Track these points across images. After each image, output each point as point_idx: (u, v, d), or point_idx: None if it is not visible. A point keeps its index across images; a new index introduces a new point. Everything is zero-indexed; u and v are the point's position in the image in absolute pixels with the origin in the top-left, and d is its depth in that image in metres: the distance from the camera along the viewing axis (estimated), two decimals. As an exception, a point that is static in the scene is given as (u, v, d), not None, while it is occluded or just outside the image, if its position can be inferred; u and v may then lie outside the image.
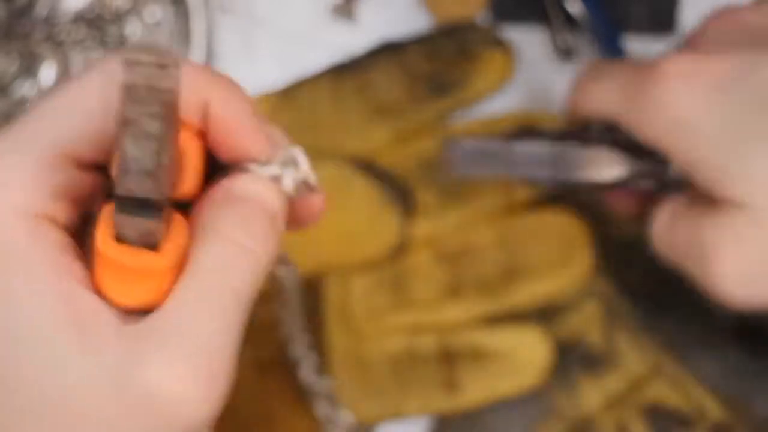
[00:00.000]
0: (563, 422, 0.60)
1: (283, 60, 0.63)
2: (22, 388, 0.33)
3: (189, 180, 0.36)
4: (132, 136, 0.32)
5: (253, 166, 0.37)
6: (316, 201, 0.40)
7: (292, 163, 0.39)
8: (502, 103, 0.62)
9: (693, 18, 0.63)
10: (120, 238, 0.34)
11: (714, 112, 0.45)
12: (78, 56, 0.61)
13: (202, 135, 0.36)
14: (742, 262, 0.43)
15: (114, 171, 0.33)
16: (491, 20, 0.64)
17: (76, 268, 0.34)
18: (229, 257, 0.35)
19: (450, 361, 0.59)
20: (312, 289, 0.61)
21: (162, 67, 0.32)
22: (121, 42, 0.62)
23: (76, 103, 0.35)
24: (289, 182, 0.38)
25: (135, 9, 0.62)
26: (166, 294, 0.35)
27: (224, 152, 0.36)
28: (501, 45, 0.61)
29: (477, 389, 0.59)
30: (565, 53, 0.62)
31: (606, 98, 0.49)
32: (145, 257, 0.34)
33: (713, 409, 0.59)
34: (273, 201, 0.37)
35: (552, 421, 0.60)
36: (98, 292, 0.35)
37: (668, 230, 0.48)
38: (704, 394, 0.59)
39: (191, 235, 0.35)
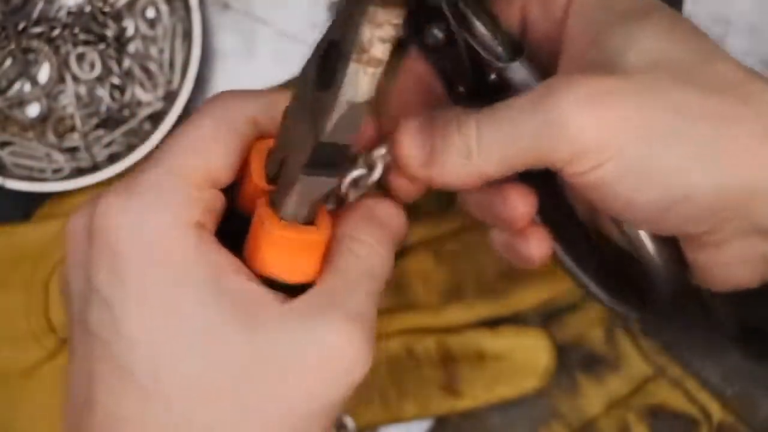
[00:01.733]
0: (565, 424, 0.59)
1: (283, 59, 0.62)
2: (220, 392, 0.39)
3: None
4: (362, 61, 0.37)
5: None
6: None
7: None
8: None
9: (697, 9, 0.63)
10: (278, 215, 0.41)
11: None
12: (74, 53, 0.61)
13: None
14: (590, 90, 0.40)
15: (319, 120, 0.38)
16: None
17: (232, 262, 0.40)
18: (367, 253, 0.42)
19: (450, 363, 0.59)
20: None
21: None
22: (120, 38, 0.61)
23: (213, 137, 0.41)
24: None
25: (132, 5, 0.62)
26: (318, 272, 0.42)
27: None
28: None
29: (477, 392, 0.59)
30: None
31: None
32: (309, 230, 0.41)
33: (716, 411, 0.59)
34: (399, 223, 0.44)
35: (554, 424, 0.60)
36: (262, 275, 0.41)
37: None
38: (707, 396, 0.59)
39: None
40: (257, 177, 0.42)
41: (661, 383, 0.59)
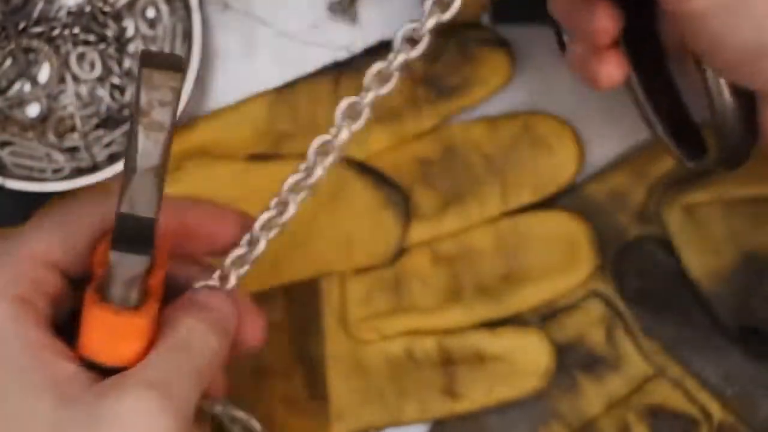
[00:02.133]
0: (565, 425, 0.59)
1: (283, 59, 0.62)
2: None
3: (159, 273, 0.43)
4: (144, 125, 0.37)
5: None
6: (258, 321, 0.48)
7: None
8: (504, 103, 0.62)
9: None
10: (105, 300, 0.41)
11: None
12: (75, 53, 0.61)
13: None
14: None
15: (119, 190, 0.39)
16: (491, 21, 0.63)
17: (52, 342, 0.41)
18: (192, 341, 0.42)
19: (450, 365, 0.59)
20: (310, 294, 0.60)
21: (173, 61, 0.37)
22: (120, 38, 0.61)
23: (59, 223, 0.44)
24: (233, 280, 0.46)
25: (132, 5, 0.62)
26: (140, 357, 0.41)
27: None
28: (502, 45, 0.61)
29: (477, 394, 0.59)
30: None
31: None
32: (127, 313, 0.41)
33: (716, 412, 0.59)
34: (224, 309, 0.45)
35: (553, 424, 0.59)
36: (83, 356, 0.41)
37: None
38: (707, 396, 0.59)
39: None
40: (96, 262, 0.44)
41: (661, 383, 0.59)
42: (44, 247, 0.43)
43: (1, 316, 0.41)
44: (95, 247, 0.44)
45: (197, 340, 0.43)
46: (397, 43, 0.44)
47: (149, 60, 0.37)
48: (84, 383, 0.40)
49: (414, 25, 0.44)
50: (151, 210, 0.39)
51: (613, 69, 0.47)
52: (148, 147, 0.37)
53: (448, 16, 0.44)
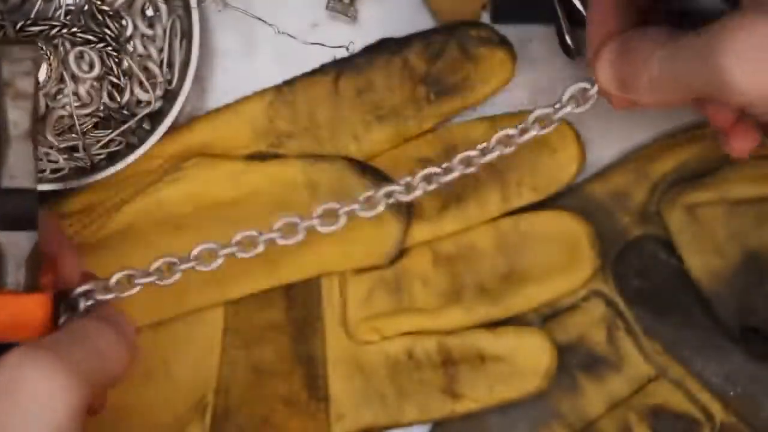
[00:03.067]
0: (566, 425, 0.59)
1: (283, 59, 0.62)
2: None
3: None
4: (10, 96, 0.41)
5: None
6: None
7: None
8: (507, 102, 0.61)
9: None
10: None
11: None
12: (73, 52, 0.61)
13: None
14: (753, 47, 0.41)
15: None
16: (491, 21, 0.63)
17: None
18: (90, 331, 0.44)
19: (450, 365, 0.59)
20: (310, 294, 0.60)
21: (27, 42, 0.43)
22: (119, 37, 0.61)
23: None
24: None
25: (131, 4, 0.62)
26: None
27: None
28: (502, 44, 0.60)
29: (478, 394, 0.59)
30: (571, 50, 0.61)
31: None
32: (22, 295, 0.43)
33: (718, 412, 0.58)
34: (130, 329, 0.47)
35: (554, 424, 0.59)
36: None
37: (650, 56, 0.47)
38: (709, 396, 0.58)
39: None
40: None
41: (662, 384, 0.59)
42: None
43: (65, 416, 0.40)
44: None
45: (96, 333, 0.44)
46: (564, 97, 0.51)
47: (6, 40, 0.42)
48: None
49: (585, 84, 0.51)
50: (31, 179, 0.41)
51: (742, 143, 0.50)
52: (16, 115, 0.41)
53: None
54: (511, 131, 0.52)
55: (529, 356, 0.59)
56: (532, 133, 0.52)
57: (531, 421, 0.59)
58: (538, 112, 0.52)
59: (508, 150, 0.52)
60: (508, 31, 0.61)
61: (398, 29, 0.62)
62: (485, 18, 0.63)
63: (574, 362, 0.59)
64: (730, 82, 0.41)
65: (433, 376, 0.59)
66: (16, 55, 0.41)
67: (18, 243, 0.42)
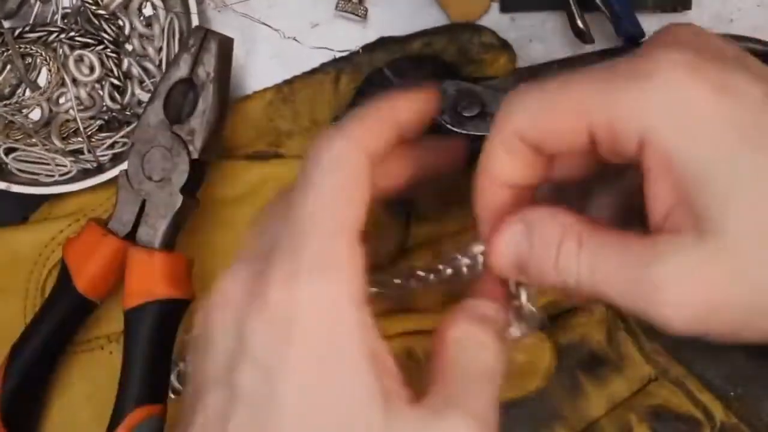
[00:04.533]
0: (567, 426, 0.59)
1: (283, 59, 0.62)
2: None
3: None
4: None
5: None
6: None
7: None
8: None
9: (700, 8, 0.62)
10: None
11: (721, 116, 0.41)
12: (73, 56, 0.61)
13: None
14: (698, 292, 0.39)
15: None
16: (501, 11, 0.62)
17: (384, 353, 0.42)
18: (479, 353, 0.43)
19: (451, 365, 0.59)
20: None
21: None
22: (117, 39, 0.61)
23: (349, 191, 0.42)
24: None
25: (128, 5, 0.62)
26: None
27: None
28: (503, 47, 0.60)
29: (478, 393, 0.59)
30: (585, 34, 0.61)
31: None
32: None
33: (719, 413, 0.58)
34: (501, 318, 0.45)
35: (555, 425, 0.59)
36: None
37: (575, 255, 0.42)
38: (709, 397, 0.58)
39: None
40: None
41: (663, 384, 0.59)
42: (357, 214, 0.42)
43: (353, 326, 0.41)
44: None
45: (492, 360, 0.43)
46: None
47: None
48: (405, 398, 0.42)
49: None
50: None
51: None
52: None
53: None
54: None
55: (530, 356, 0.58)
56: None
57: (532, 421, 0.59)
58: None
59: None
60: (510, 31, 0.61)
61: (406, 28, 0.61)
62: (495, 7, 0.63)
63: (575, 362, 0.59)
64: (668, 324, 0.40)
65: (433, 376, 0.59)
66: None
67: None
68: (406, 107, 0.46)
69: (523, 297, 0.46)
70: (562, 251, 0.42)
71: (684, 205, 0.39)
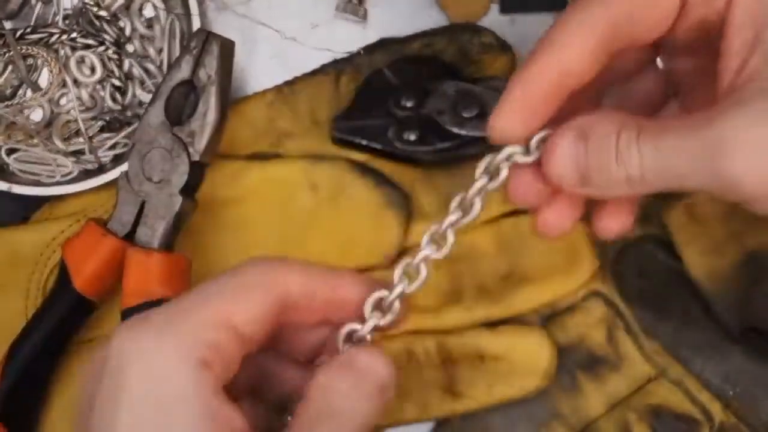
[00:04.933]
0: (566, 425, 0.59)
1: (283, 59, 0.62)
2: None
3: None
4: None
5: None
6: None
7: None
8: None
9: None
10: None
11: None
12: (74, 57, 0.61)
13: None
14: (762, 150, 0.37)
15: None
16: (501, 10, 0.63)
17: (229, 413, 0.41)
18: (340, 400, 0.43)
19: (450, 364, 0.59)
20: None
21: None
22: (118, 40, 0.62)
23: (245, 288, 0.43)
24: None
25: (129, 6, 0.62)
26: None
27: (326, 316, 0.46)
28: (504, 49, 0.60)
29: (478, 393, 0.59)
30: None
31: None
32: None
33: (717, 412, 0.58)
34: (382, 371, 0.44)
35: (555, 424, 0.59)
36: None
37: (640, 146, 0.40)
38: (708, 396, 0.58)
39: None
40: None
41: (662, 384, 0.59)
42: (228, 311, 0.42)
43: (183, 380, 0.40)
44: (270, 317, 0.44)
45: (350, 407, 0.43)
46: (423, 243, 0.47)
47: None
48: None
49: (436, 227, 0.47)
50: None
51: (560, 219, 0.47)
52: None
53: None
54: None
55: (529, 355, 0.59)
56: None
57: (531, 420, 0.59)
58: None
59: None
60: (522, 20, 0.61)
61: (407, 29, 0.62)
62: (494, 8, 0.63)
63: (574, 362, 0.59)
64: (740, 184, 0.38)
65: (433, 375, 0.59)
66: None
67: None
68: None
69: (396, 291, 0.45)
70: (622, 141, 0.40)
71: (757, 59, 0.39)
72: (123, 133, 0.61)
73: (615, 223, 0.46)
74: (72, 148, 0.62)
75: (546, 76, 0.42)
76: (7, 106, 0.61)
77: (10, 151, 0.62)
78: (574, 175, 0.42)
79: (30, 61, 0.62)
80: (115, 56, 0.61)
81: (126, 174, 0.56)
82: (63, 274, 0.56)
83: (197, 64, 0.56)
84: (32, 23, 0.62)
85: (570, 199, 0.46)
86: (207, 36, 0.56)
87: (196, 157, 0.56)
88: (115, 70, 0.61)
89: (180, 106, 0.56)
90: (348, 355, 0.44)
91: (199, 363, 0.40)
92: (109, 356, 0.41)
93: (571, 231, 0.47)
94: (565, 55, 0.42)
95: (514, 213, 0.60)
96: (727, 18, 0.41)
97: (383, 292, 0.45)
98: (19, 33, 0.61)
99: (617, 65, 0.45)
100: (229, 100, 0.57)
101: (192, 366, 0.40)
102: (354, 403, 0.43)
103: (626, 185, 0.40)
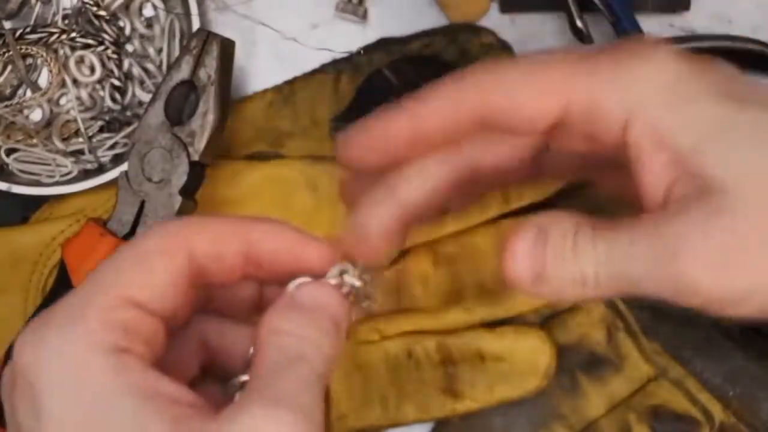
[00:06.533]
0: (566, 425, 0.59)
1: (283, 59, 0.62)
2: None
3: None
4: None
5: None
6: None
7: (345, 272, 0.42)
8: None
9: (699, 8, 0.62)
10: None
11: (705, 86, 0.40)
12: (73, 57, 0.61)
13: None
14: (715, 252, 0.37)
15: None
16: (501, 10, 0.63)
17: (161, 382, 0.38)
18: (290, 342, 0.39)
19: (450, 365, 0.59)
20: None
21: None
22: (118, 40, 0.61)
23: (143, 259, 0.40)
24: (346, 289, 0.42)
25: (128, 6, 0.62)
26: None
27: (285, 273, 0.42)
28: (503, 48, 0.60)
29: (478, 393, 0.59)
30: (584, 35, 0.61)
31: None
32: None
33: (718, 412, 0.58)
34: (331, 303, 0.41)
35: (555, 425, 0.59)
36: None
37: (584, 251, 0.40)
38: (708, 397, 0.58)
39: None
40: None
41: (662, 384, 0.59)
42: (129, 289, 0.39)
43: (102, 371, 0.37)
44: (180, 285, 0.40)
45: (309, 348, 0.39)
46: None
47: None
48: (207, 414, 0.37)
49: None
50: None
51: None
52: None
53: None
54: None
55: (529, 356, 0.59)
56: None
57: (531, 421, 0.59)
58: None
59: None
60: (522, 18, 0.61)
61: (407, 29, 0.61)
62: (494, 8, 0.63)
63: (575, 362, 0.59)
64: (695, 289, 0.38)
65: (433, 375, 0.59)
66: None
67: None
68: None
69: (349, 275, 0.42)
70: (579, 239, 0.40)
71: (684, 176, 0.39)
72: (122, 133, 0.61)
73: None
74: (71, 148, 0.62)
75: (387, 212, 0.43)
76: (6, 106, 0.61)
77: (10, 151, 0.62)
78: (530, 274, 0.41)
79: (29, 60, 0.62)
80: (115, 56, 0.61)
81: (126, 174, 0.56)
82: (63, 274, 0.56)
83: (197, 64, 0.56)
84: (32, 23, 0.62)
85: None
86: (207, 36, 0.56)
87: (195, 157, 0.56)
88: (115, 69, 0.61)
89: (180, 106, 0.56)
90: (290, 294, 0.41)
91: (113, 349, 0.38)
92: (16, 374, 0.38)
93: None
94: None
95: (515, 213, 0.60)
96: (629, 142, 0.40)
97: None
98: (18, 33, 0.61)
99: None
100: (229, 100, 0.57)
101: (106, 355, 0.37)
102: (312, 343, 0.39)
103: (581, 286, 0.40)
